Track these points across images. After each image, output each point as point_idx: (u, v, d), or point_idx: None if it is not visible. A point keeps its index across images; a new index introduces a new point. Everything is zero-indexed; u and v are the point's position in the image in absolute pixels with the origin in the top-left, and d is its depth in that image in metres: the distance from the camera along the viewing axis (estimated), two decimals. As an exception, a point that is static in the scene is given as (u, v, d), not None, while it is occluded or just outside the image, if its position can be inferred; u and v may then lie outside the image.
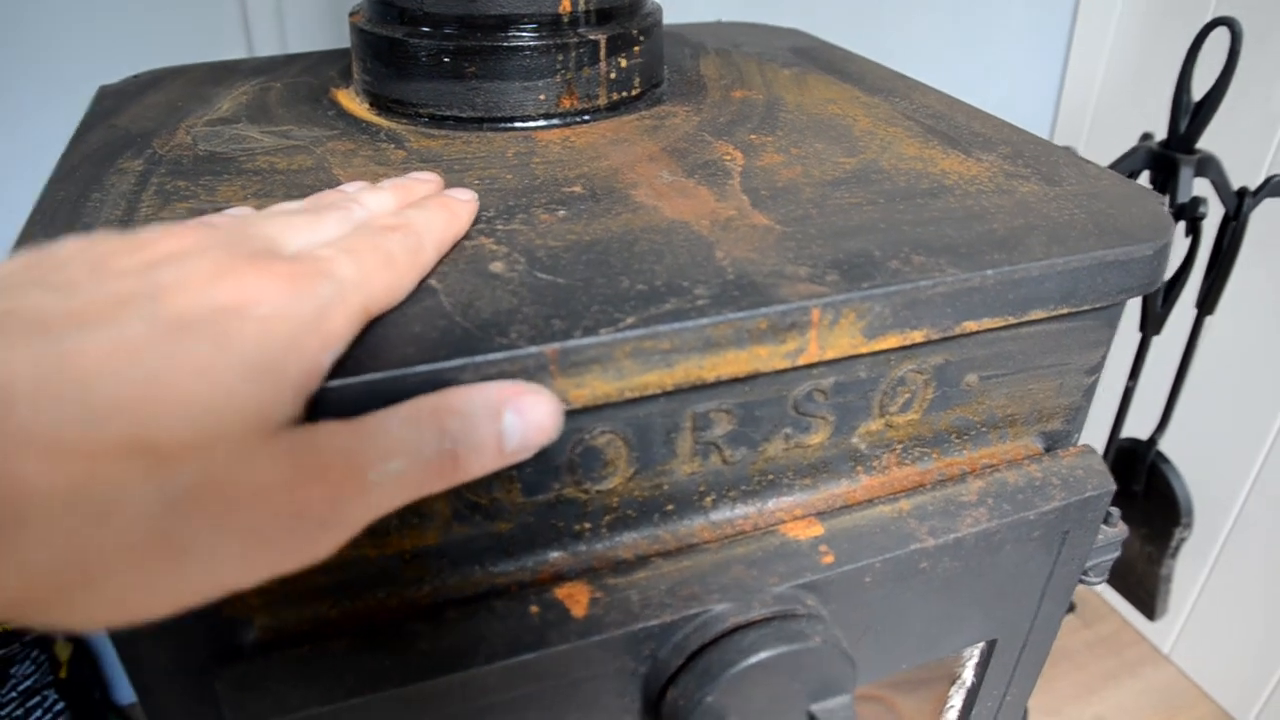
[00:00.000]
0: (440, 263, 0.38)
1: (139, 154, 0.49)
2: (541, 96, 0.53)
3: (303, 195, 0.44)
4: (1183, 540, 1.36)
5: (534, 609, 0.38)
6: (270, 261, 0.30)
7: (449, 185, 0.45)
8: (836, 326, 0.37)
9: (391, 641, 0.36)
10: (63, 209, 0.43)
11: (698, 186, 0.46)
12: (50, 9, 0.90)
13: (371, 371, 0.31)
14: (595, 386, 0.34)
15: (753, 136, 0.53)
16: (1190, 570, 1.52)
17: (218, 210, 0.42)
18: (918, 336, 0.39)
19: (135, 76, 0.64)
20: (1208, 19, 0.99)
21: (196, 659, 0.37)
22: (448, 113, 0.53)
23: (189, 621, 0.36)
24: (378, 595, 0.38)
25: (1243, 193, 1.07)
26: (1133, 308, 1.22)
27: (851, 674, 0.42)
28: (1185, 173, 1.04)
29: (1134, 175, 1.12)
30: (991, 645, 0.54)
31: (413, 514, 0.37)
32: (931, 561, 0.44)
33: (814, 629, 0.40)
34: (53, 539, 0.23)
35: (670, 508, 0.41)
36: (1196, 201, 1.04)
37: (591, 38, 0.52)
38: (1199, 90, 1.04)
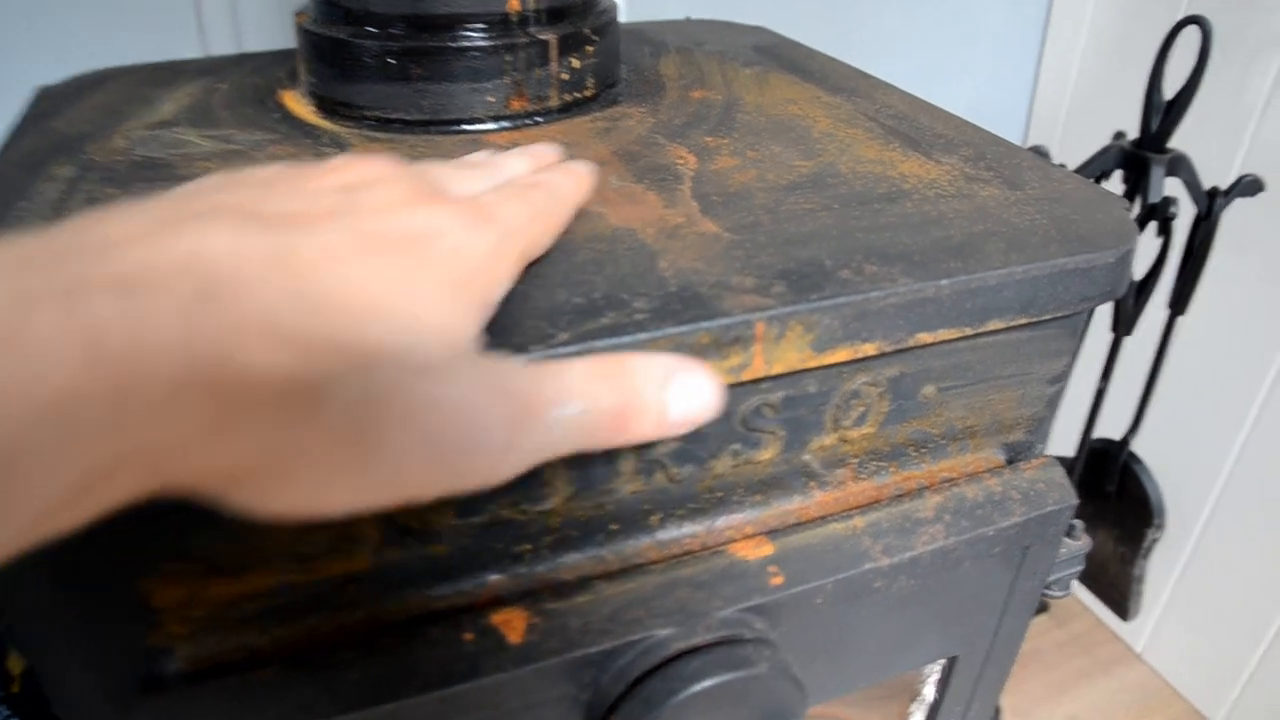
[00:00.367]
0: None
1: (71, 159, 0.47)
2: (490, 98, 0.51)
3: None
4: (1155, 541, 1.36)
5: (468, 636, 0.36)
6: (450, 199, 0.32)
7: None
8: (783, 340, 0.35)
9: (319, 671, 0.35)
10: (-16, 217, 0.41)
11: (647, 192, 0.44)
12: (-2, 5, 0.88)
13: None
14: (528, 406, 0.32)
15: (708, 139, 0.51)
16: (1163, 570, 1.52)
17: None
18: (870, 349, 0.38)
19: (77, 77, 0.62)
20: (1180, 17, 0.98)
21: (118, 689, 0.35)
22: (394, 115, 0.51)
23: (111, 651, 0.35)
24: (309, 621, 0.37)
25: (1214, 192, 1.06)
26: (1105, 308, 1.21)
27: (801, 699, 0.40)
28: (1156, 172, 1.03)
29: (1106, 175, 1.11)
30: (952, 662, 0.52)
31: (341, 539, 0.35)
32: (886, 580, 0.43)
33: (761, 654, 0.39)
34: (262, 424, 0.24)
35: (615, 527, 0.40)
36: (1168, 201, 1.04)
37: (541, 38, 0.51)
38: (1171, 89, 1.03)
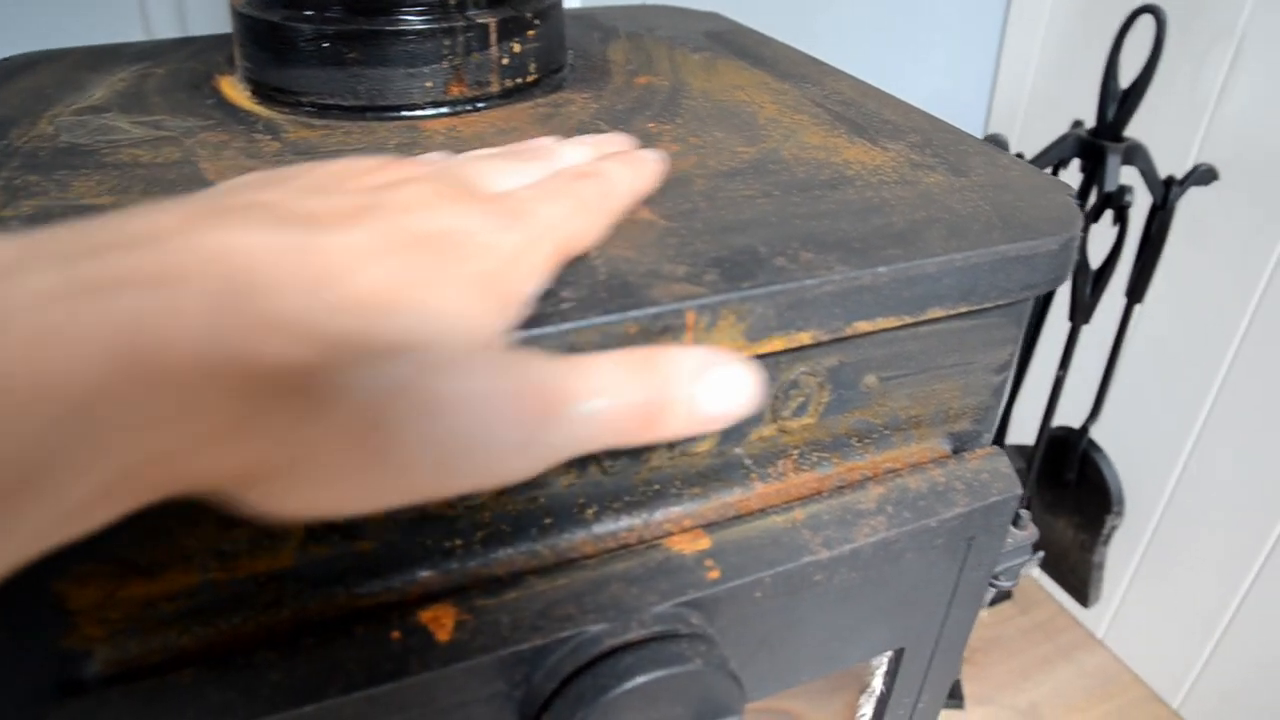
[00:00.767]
0: None
1: (-6, 144, 0.46)
2: (428, 84, 0.50)
3: (163, 190, 0.41)
4: (1114, 528, 1.36)
5: (395, 634, 0.35)
6: (480, 197, 0.32)
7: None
8: (715, 329, 0.35)
9: (240, 672, 0.34)
10: (-103, 206, 0.40)
11: (583, 179, 0.43)
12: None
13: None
14: (449, 398, 0.31)
15: (651, 125, 0.50)
16: (1122, 556, 1.53)
17: (66, 208, 0.39)
18: (805, 338, 0.37)
19: (5, 60, 0.61)
20: (1137, 5, 0.98)
21: (34, 694, 0.34)
22: (330, 101, 0.50)
23: (25, 655, 0.34)
24: (231, 621, 0.36)
25: (1169, 181, 1.07)
26: (1063, 297, 1.21)
27: (739, 695, 0.40)
28: (1112, 161, 1.04)
29: (1064, 163, 1.11)
30: (899, 654, 0.52)
31: (264, 535, 0.34)
32: (827, 573, 0.42)
33: (696, 650, 0.38)
34: (281, 421, 0.24)
35: (548, 521, 0.39)
36: (1123, 190, 1.04)
37: (480, 21, 0.50)
38: (1127, 79, 1.03)
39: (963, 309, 0.40)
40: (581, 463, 0.38)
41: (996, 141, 1.07)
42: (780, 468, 0.43)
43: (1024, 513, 0.51)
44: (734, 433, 0.41)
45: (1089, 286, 1.14)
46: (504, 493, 0.37)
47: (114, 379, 0.21)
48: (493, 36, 0.51)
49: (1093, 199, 1.09)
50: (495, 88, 0.52)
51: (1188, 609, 1.46)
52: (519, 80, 0.53)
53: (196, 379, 0.23)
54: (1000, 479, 0.46)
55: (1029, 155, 1.11)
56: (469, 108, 0.51)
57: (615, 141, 0.44)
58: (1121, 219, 1.07)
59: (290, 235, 0.26)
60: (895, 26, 1.39)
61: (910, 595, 0.48)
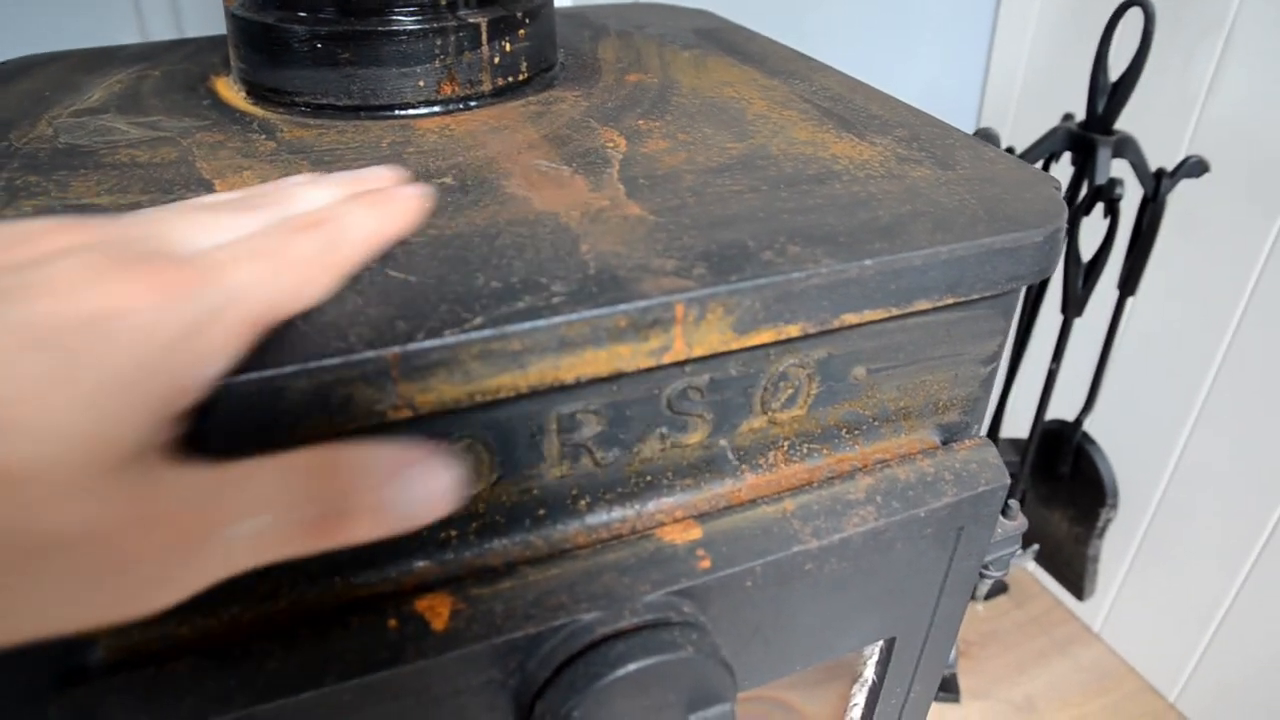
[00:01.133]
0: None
1: (-6, 146, 0.47)
2: (420, 83, 0.50)
3: (160, 190, 0.42)
4: (1109, 520, 1.37)
5: (392, 623, 0.36)
6: (153, 266, 0.27)
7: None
8: (704, 322, 0.35)
9: (239, 660, 0.34)
10: (-103, 206, 0.40)
11: (574, 176, 0.44)
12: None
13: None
14: (442, 391, 0.32)
15: (640, 122, 0.51)
16: (1118, 549, 1.54)
17: (67, 207, 0.40)
18: (793, 330, 0.38)
19: (4, 63, 0.62)
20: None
21: (38, 681, 0.35)
22: (324, 101, 0.51)
23: (30, 643, 0.35)
24: (231, 611, 0.36)
25: (1160, 174, 1.07)
26: (1055, 290, 1.22)
27: (730, 682, 0.40)
28: (1103, 153, 1.04)
29: (1055, 156, 1.12)
30: (891, 643, 0.52)
31: (261, 526, 0.35)
32: (817, 563, 0.43)
33: (687, 638, 0.38)
34: None
35: (542, 512, 0.39)
36: (1114, 183, 1.04)
37: (472, 21, 0.50)
38: (1117, 71, 1.03)
39: (949, 301, 0.41)
40: (574, 454, 0.38)
41: (987, 135, 1.08)
42: (770, 459, 0.44)
43: (1013, 503, 0.51)
44: (725, 425, 0.41)
45: (1081, 279, 1.14)
46: (498, 484, 0.38)
47: None
48: (484, 36, 0.51)
49: (1084, 192, 1.09)
50: (487, 86, 0.53)
51: (1184, 601, 1.47)
52: (511, 79, 0.54)
53: None
54: (989, 469, 0.47)
55: (1021, 148, 1.12)
56: (461, 106, 0.52)
57: (372, 179, 0.39)
58: (1113, 212, 1.08)
59: None
60: (887, 22, 1.39)
61: (901, 585, 0.49)
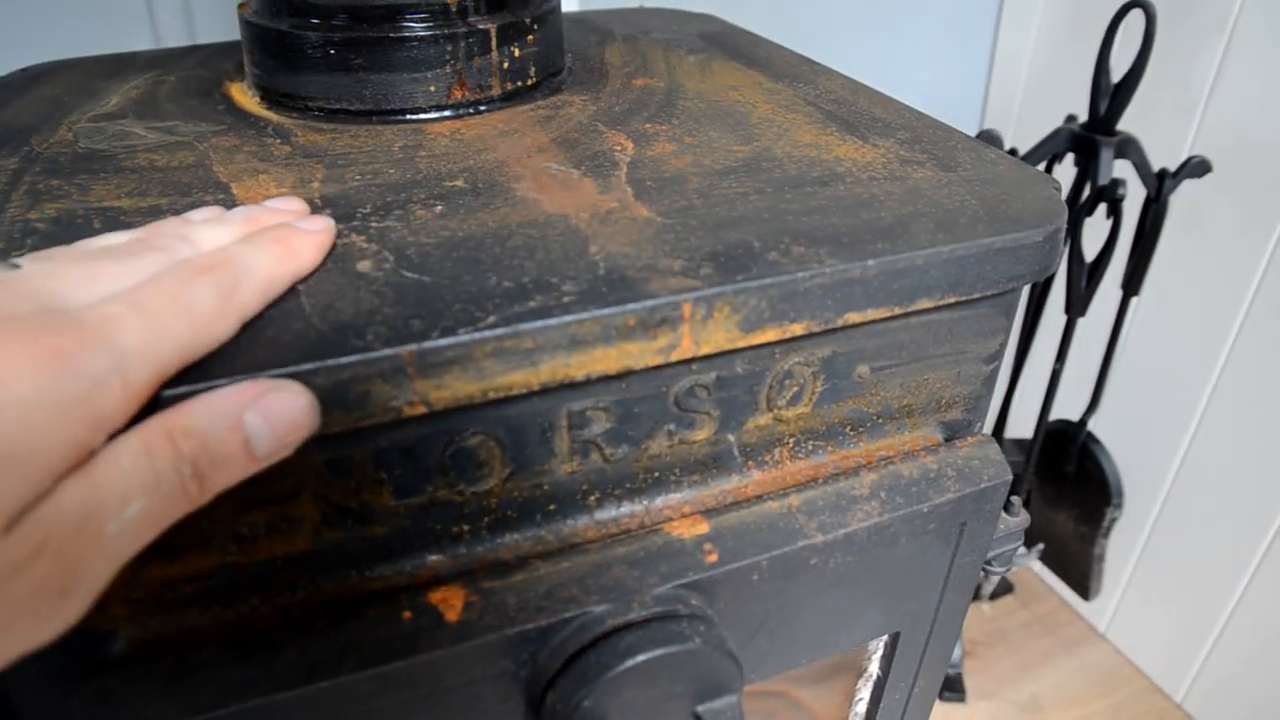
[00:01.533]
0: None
1: (15, 152, 0.48)
2: (431, 88, 0.51)
3: (179, 193, 0.43)
4: (1114, 520, 1.37)
5: (407, 614, 0.37)
6: (38, 329, 0.26)
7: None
8: (710, 321, 0.36)
9: (258, 650, 0.35)
10: (-76, 210, 0.41)
11: (583, 178, 0.45)
12: (-52, -1, 0.88)
13: (218, 377, 0.30)
14: (457, 388, 0.33)
15: (647, 125, 0.52)
16: (1123, 549, 1.54)
17: (89, 210, 0.41)
18: (798, 329, 0.38)
19: (24, 70, 0.63)
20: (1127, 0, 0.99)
21: (61, 670, 0.36)
22: (337, 105, 0.52)
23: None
24: (250, 602, 0.37)
25: (1163, 174, 1.08)
26: (1058, 291, 1.23)
27: (737, 674, 0.41)
28: (1105, 154, 1.05)
29: (1057, 158, 1.12)
30: (895, 638, 0.53)
31: (281, 519, 0.36)
32: (822, 557, 0.44)
33: (695, 630, 0.39)
34: None
35: (552, 507, 0.40)
36: (1116, 183, 1.05)
37: (481, 27, 0.51)
38: (1119, 73, 1.04)
39: (951, 300, 0.42)
40: (584, 450, 0.39)
41: (990, 137, 1.09)
42: (776, 455, 0.45)
43: (1015, 499, 0.52)
44: (731, 422, 0.42)
45: (1084, 280, 1.15)
46: (510, 479, 0.38)
47: None
48: (494, 41, 0.52)
49: (1087, 192, 1.10)
50: (496, 91, 0.54)
51: (1189, 601, 1.47)
52: (519, 83, 0.55)
53: None
54: (991, 465, 0.48)
55: (1024, 150, 1.13)
56: (471, 111, 0.53)
57: (274, 213, 0.38)
58: (1115, 212, 1.08)
59: None
60: (890, 26, 1.40)
61: (905, 580, 0.49)
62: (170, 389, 0.29)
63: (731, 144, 0.49)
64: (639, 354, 0.35)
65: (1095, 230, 1.12)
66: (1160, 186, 1.09)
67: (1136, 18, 1.00)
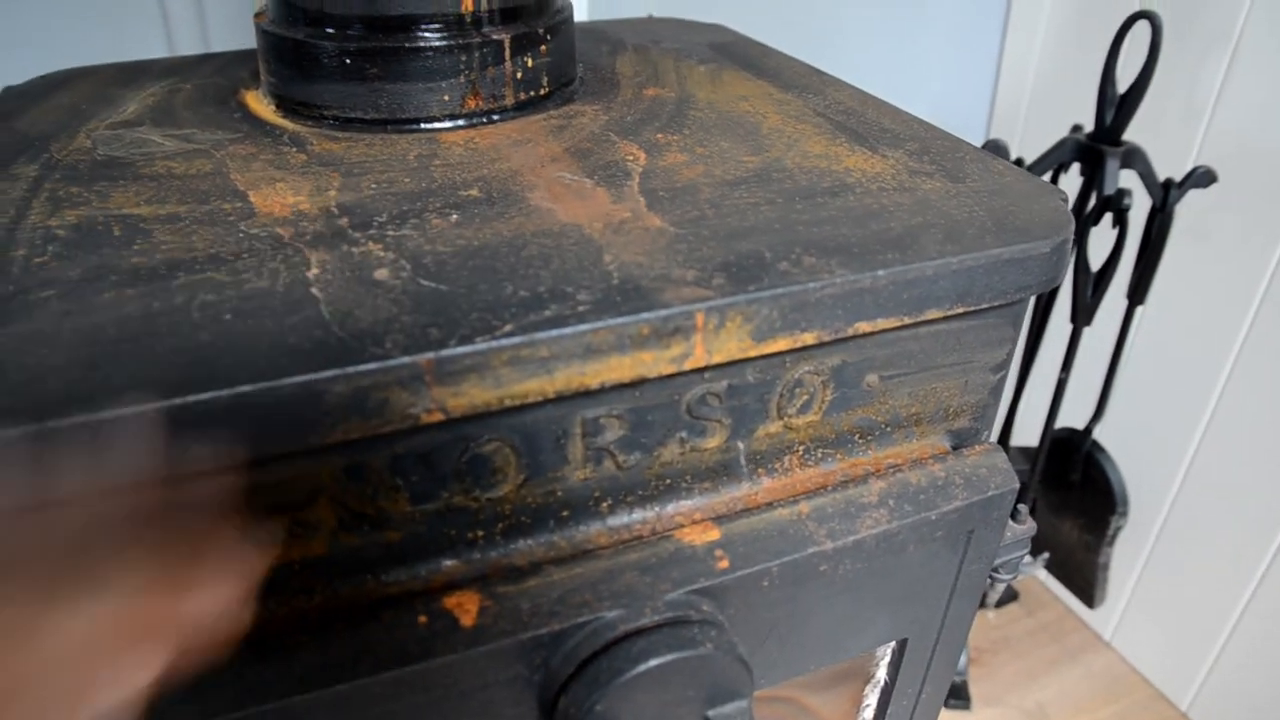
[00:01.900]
0: (325, 271, 0.37)
1: (35, 159, 0.48)
2: (445, 97, 0.52)
3: (197, 200, 0.43)
4: (1119, 528, 1.38)
5: (422, 619, 0.37)
6: None
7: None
8: (723, 330, 0.37)
9: (275, 654, 0.36)
10: (-56, 217, 0.42)
11: (596, 188, 0.45)
12: (-37, 7, 0.89)
13: (242, 384, 0.31)
14: (474, 395, 0.33)
15: (659, 135, 0.52)
16: (1128, 557, 1.54)
17: (109, 217, 0.41)
18: (809, 339, 0.39)
19: (42, 77, 0.63)
20: (1133, 11, 1.00)
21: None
22: (352, 114, 0.52)
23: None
24: (268, 606, 0.38)
25: (1168, 184, 1.08)
26: (1064, 300, 1.23)
27: (748, 679, 0.41)
28: (1111, 164, 1.05)
29: (1063, 167, 1.13)
30: (903, 644, 0.54)
31: (297, 524, 0.36)
32: (831, 564, 0.44)
33: (706, 635, 0.40)
34: None
35: (565, 514, 0.41)
36: (1121, 193, 1.05)
37: (495, 37, 0.52)
38: (1125, 83, 1.05)
39: (960, 310, 0.42)
40: (597, 457, 0.40)
41: (996, 147, 1.09)
42: (786, 463, 0.45)
43: (1022, 507, 0.52)
44: (742, 430, 0.42)
45: (1090, 289, 1.15)
46: (524, 486, 0.39)
47: None
48: (507, 52, 0.53)
49: (1092, 202, 1.10)
50: (510, 101, 0.54)
51: (1195, 609, 1.47)
52: (532, 93, 0.55)
53: None
54: (998, 474, 0.48)
55: (1030, 159, 1.13)
56: (485, 120, 0.53)
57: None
58: (1121, 222, 1.09)
59: None
60: (898, 36, 1.40)
61: (912, 587, 0.50)
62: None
63: (742, 154, 0.50)
64: (652, 363, 0.36)
65: (1101, 240, 1.12)
66: (1166, 196, 1.09)
67: (1142, 28, 1.00)
